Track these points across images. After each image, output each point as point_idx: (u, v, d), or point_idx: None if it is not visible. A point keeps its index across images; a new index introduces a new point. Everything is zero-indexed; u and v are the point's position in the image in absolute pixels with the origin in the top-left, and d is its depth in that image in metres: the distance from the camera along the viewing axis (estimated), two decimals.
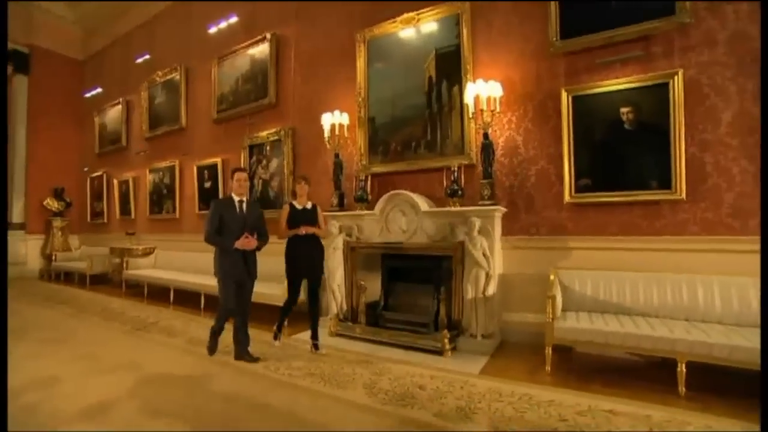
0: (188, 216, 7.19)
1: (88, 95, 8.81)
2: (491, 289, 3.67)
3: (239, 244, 3.38)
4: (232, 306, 3.46)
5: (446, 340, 3.62)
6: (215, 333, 3.64)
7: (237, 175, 3.53)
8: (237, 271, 3.42)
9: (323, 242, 3.93)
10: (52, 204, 8.56)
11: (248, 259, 3.48)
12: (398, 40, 4.72)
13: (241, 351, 3.50)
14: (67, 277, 8.10)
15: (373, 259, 4.71)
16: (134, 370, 3.26)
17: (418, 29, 4.58)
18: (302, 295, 3.92)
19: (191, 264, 6.69)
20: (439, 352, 3.59)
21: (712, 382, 2.80)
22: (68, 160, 8.85)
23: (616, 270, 3.48)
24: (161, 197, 7.50)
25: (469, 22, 4.22)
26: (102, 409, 2.57)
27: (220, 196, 6.59)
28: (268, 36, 5.89)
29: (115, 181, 8.28)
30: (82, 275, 7.64)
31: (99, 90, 8.63)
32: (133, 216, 8.03)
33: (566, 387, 2.86)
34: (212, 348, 3.63)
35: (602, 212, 3.63)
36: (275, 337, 3.92)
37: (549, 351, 3.13)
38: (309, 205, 3.81)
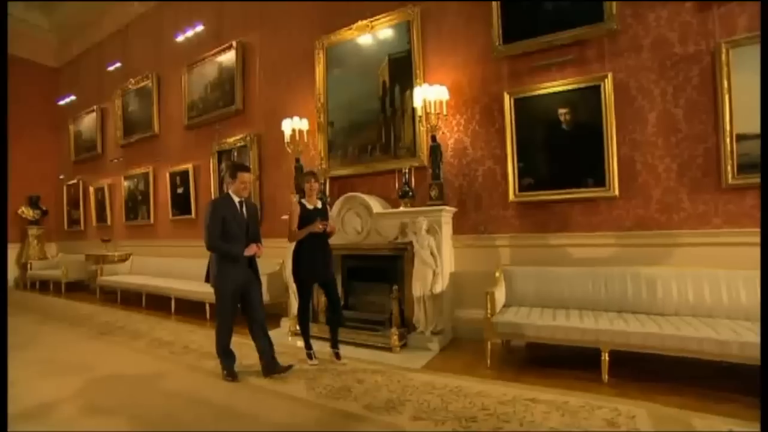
0: (162, 222, 7.26)
1: (61, 103, 8.87)
2: (439, 287, 3.79)
3: (251, 252, 3.12)
4: (232, 319, 3.17)
5: (395, 337, 3.74)
6: (226, 354, 3.18)
7: (241, 176, 3.12)
8: (243, 278, 3.11)
9: None
10: (27, 212, 8.58)
11: (252, 263, 3.22)
12: (355, 47, 4.86)
13: (269, 363, 3.15)
14: (43, 286, 8.12)
15: (335, 260, 4.81)
16: (86, 372, 3.34)
17: (372, 36, 4.72)
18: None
19: (166, 269, 6.77)
20: (390, 349, 3.72)
21: (641, 369, 2.94)
22: (45, 168, 8.89)
23: (558, 265, 3.63)
24: (136, 204, 7.57)
25: (419, 28, 4.37)
26: (43, 410, 2.65)
27: (192, 201, 6.71)
28: (234, 44, 6.01)
29: (91, 189, 8.34)
30: (57, 283, 7.67)
31: (72, 98, 8.70)
32: (109, 223, 8.08)
33: (500, 379, 2.98)
34: (230, 370, 3.13)
35: (545, 210, 3.77)
36: (309, 357, 3.45)
37: (488, 345, 3.24)
38: (320, 204, 3.54)
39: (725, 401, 2.46)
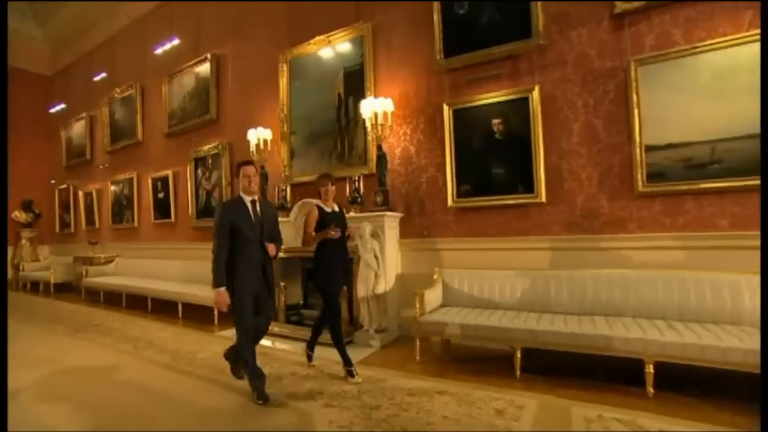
0: (146, 225, 7.57)
1: (52, 111, 9.25)
2: (381, 288, 4.02)
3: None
4: (253, 326, 2.86)
5: None
6: (253, 371, 2.79)
7: (244, 170, 2.86)
8: (256, 284, 2.82)
9: None
10: (20, 216, 8.96)
11: (267, 270, 2.89)
12: (315, 60, 5.12)
13: (238, 370, 2.95)
14: (34, 287, 8.48)
15: (296, 262, 5.08)
16: (51, 365, 3.62)
17: (330, 50, 4.98)
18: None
19: (148, 270, 7.07)
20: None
21: (558, 366, 3.14)
22: (38, 173, 9.26)
23: (495, 268, 3.83)
24: (122, 208, 7.90)
25: (371, 43, 4.62)
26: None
27: (172, 206, 7.00)
28: (209, 56, 6.31)
29: (81, 193, 8.70)
30: (47, 284, 8.02)
31: (63, 106, 9.08)
32: (97, 226, 8.42)
33: (424, 373, 3.19)
34: (261, 391, 2.74)
35: (481, 215, 3.99)
36: (309, 359, 3.44)
37: (417, 342, 3.48)
38: (336, 208, 3.38)
39: (614, 393, 2.67)
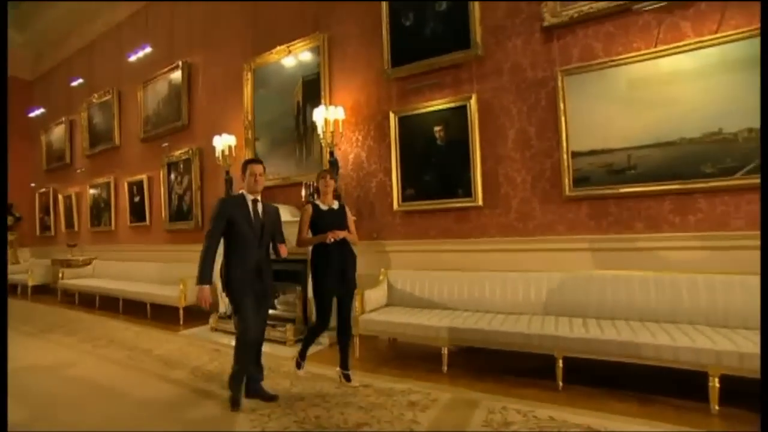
0: (122, 228, 7.71)
1: (31, 115, 9.41)
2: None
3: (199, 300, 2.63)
4: (257, 333, 2.72)
5: (289, 333, 4.14)
6: (239, 373, 2.66)
7: (252, 167, 2.74)
8: (254, 286, 2.68)
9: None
10: None
11: (264, 275, 2.75)
12: (277, 69, 5.29)
13: (253, 387, 2.74)
14: (12, 289, 8.57)
15: None
16: (9, 363, 3.75)
17: (290, 59, 5.15)
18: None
19: (125, 272, 7.20)
20: (284, 342, 4.13)
21: (489, 363, 3.30)
22: (19, 176, 9.35)
23: (437, 269, 3.98)
24: (100, 211, 8.04)
25: (327, 52, 4.79)
26: None
27: (147, 210, 7.15)
28: (180, 64, 6.48)
29: (60, 196, 8.84)
30: (25, 286, 8.14)
31: (42, 110, 9.24)
32: (76, 229, 8.56)
33: (360, 369, 3.32)
34: (236, 400, 2.60)
35: (425, 218, 4.15)
36: (298, 366, 3.20)
37: (357, 340, 3.63)
38: (336, 205, 3.10)
39: (530, 387, 2.83)
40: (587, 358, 2.72)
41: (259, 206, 2.76)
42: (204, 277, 2.62)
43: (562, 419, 2.31)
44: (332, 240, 2.87)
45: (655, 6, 3.17)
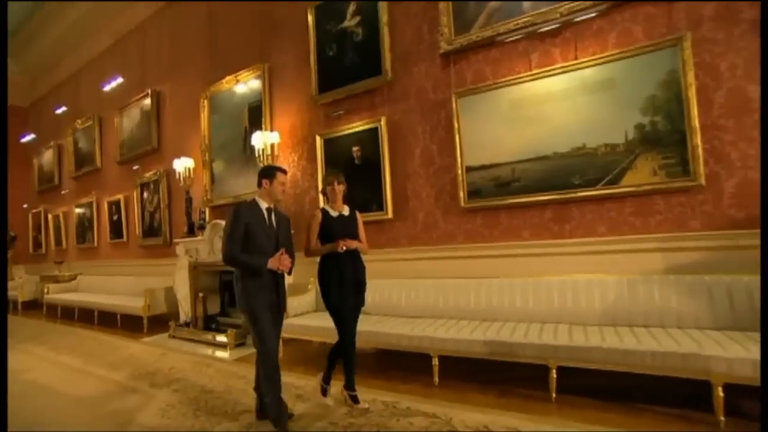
0: (104, 245, 8.23)
1: (23, 140, 10.10)
2: None
3: (274, 263, 2.48)
4: (277, 346, 2.58)
5: (230, 338, 4.52)
6: (274, 399, 2.45)
7: (282, 177, 2.63)
8: (271, 299, 2.53)
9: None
10: None
11: (279, 286, 2.59)
12: (228, 97, 5.76)
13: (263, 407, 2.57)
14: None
15: (214, 275, 5.67)
16: None
17: (240, 87, 5.61)
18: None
19: (105, 286, 7.66)
20: (225, 346, 4.52)
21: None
22: (14, 198, 10.00)
23: None
24: (84, 229, 8.58)
25: (268, 81, 5.24)
26: None
27: (124, 227, 7.64)
28: (149, 92, 7.01)
29: (50, 216, 9.44)
30: (15, 302, 8.70)
31: (33, 136, 9.95)
32: (64, 246, 9.12)
33: (287, 370, 3.52)
34: (279, 420, 2.44)
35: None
36: (324, 392, 2.87)
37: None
38: (346, 211, 2.92)
39: (414, 383, 3.13)
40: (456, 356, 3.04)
41: (273, 215, 2.63)
42: (258, 264, 2.44)
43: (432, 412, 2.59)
44: (344, 249, 2.67)
45: (529, 31, 3.50)
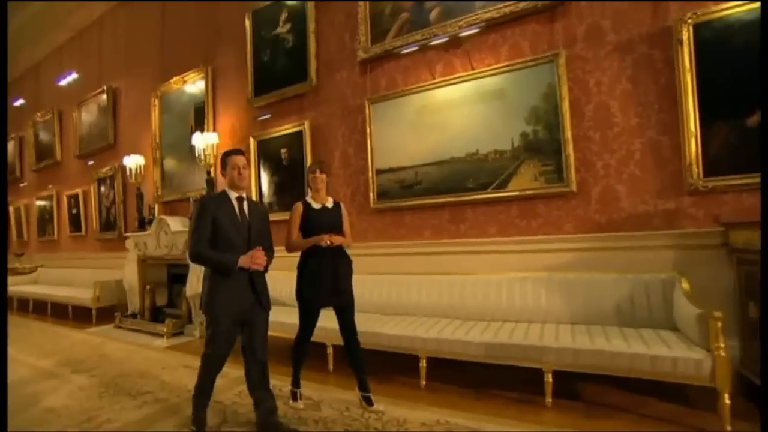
0: (64, 238, 8.37)
1: None
2: (200, 288, 4.77)
3: (245, 261, 2.24)
4: (224, 357, 2.30)
5: (167, 328, 4.79)
6: (201, 400, 2.32)
7: (234, 159, 2.37)
8: (242, 302, 2.27)
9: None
10: None
11: (256, 283, 2.33)
12: (177, 97, 5.95)
13: (266, 423, 2.30)
14: None
15: (162, 268, 5.89)
16: None
17: (188, 87, 5.79)
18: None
19: (64, 278, 7.80)
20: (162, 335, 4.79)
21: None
22: None
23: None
24: (45, 222, 8.70)
25: (211, 82, 5.44)
26: None
27: (82, 221, 7.78)
28: (105, 88, 7.14)
29: (11, 208, 9.53)
30: None
31: None
32: (26, 238, 9.23)
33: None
34: (199, 421, 2.29)
35: (275, 228, 4.73)
36: (294, 397, 2.71)
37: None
38: (330, 203, 2.77)
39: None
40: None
41: (245, 204, 2.37)
42: (228, 261, 2.22)
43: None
44: (327, 244, 2.55)
45: (438, 42, 3.75)
